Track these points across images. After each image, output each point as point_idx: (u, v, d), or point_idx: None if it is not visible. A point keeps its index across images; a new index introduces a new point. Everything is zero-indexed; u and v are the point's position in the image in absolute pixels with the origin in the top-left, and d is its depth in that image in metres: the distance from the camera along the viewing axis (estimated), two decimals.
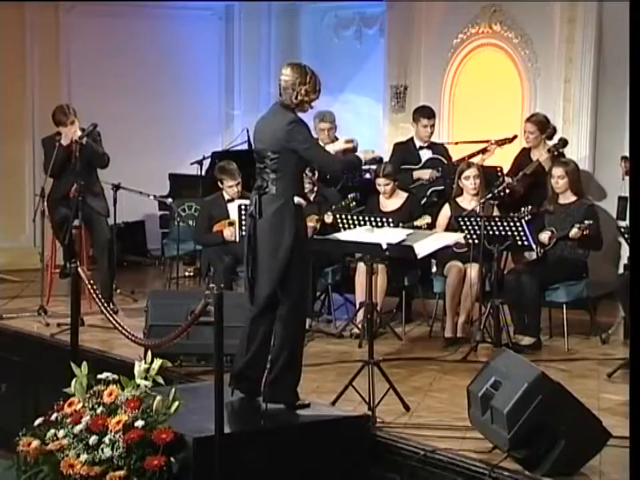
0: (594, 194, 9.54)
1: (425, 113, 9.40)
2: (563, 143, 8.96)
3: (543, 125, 9.02)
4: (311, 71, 5.97)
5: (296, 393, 6.04)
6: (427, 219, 8.43)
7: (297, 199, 5.94)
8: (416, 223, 8.34)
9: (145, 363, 5.66)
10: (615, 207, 9.22)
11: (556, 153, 8.80)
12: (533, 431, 5.15)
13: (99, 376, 5.73)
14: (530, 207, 8.18)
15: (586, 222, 7.90)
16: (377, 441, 5.85)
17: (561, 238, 8.03)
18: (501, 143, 9.19)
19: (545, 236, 8.06)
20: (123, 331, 6.01)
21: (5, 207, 11.65)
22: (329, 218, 8.56)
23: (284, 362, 5.95)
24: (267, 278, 5.92)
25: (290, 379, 6.00)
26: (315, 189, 8.90)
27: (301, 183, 6.13)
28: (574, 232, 7.90)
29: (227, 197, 8.98)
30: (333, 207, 8.69)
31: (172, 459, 5.29)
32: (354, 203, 8.71)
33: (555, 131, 9.12)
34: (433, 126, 9.41)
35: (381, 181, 8.70)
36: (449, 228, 8.35)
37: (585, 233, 7.88)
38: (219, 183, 9.07)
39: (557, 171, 8.20)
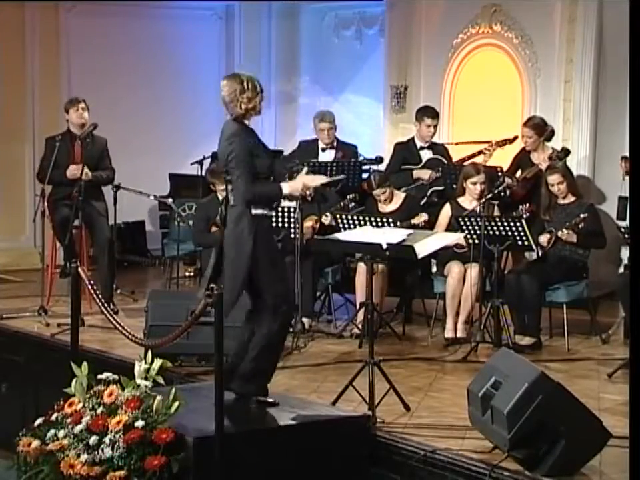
0: (594, 194, 9.55)
1: (428, 113, 9.40)
2: (565, 153, 8.92)
3: (540, 128, 9.00)
4: (246, 77, 5.94)
5: (265, 389, 6.02)
6: (423, 217, 8.44)
7: (257, 210, 5.87)
8: (413, 221, 8.35)
9: (145, 363, 5.66)
10: (615, 207, 9.22)
11: (557, 161, 8.77)
12: (533, 431, 5.15)
13: (99, 376, 5.72)
14: (528, 205, 8.18)
15: (581, 215, 7.89)
16: (377, 441, 5.84)
17: (559, 237, 8.03)
18: (502, 143, 9.20)
19: (544, 239, 8.06)
20: (123, 331, 6.01)
21: (5, 207, 11.66)
22: (326, 219, 8.56)
23: (257, 356, 5.93)
24: (228, 286, 5.81)
25: (261, 374, 5.97)
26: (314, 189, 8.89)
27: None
28: (564, 232, 7.90)
29: (221, 197, 8.99)
30: (332, 208, 8.70)
31: (172, 458, 5.28)
32: (352, 204, 8.71)
33: (553, 132, 9.11)
34: (435, 126, 9.42)
35: (378, 192, 8.70)
36: (449, 228, 8.35)
37: (580, 226, 7.87)
38: (211, 186, 9.11)
39: (555, 178, 8.17)
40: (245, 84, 5.89)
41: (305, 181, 6.06)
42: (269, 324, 5.95)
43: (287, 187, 5.99)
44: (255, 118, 6.08)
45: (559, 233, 7.93)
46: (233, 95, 5.88)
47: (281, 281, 6.00)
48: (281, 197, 6.03)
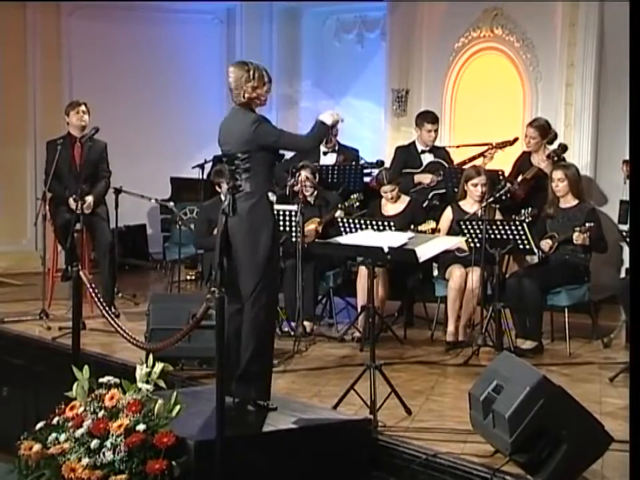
0: (595, 198, 9.55)
1: (428, 118, 9.42)
2: (563, 148, 8.97)
3: (544, 130, 9.04)
4: (254, 66, 5.98)
5: (267, 393, 5.98)
6: (431, 224, 8.42)
7: (272, 197, 5.97)
8: (420, 228, 8.33)
9: (147, 366, 5.65)
10: (617, 210, 9.22)
11: (556, 159, 8.81)
12: (534, 435, 5.14)
13: (101, 380, 5.72)
14: (530, 209, 8.20)
15: (587, 224, 7.90)
16: (378, 445, 5.84)
17: (562, 242, 8.04)
18: (502, 145, 9.22)
19: (545, 244, 8.06)
20: (125, 335, 6.00)
21: (6, 210, 11.67)
22: (340, 213, 8.58)
23: (250, 358, 5.86)
24: (248, 276, 5.84)
25: (258, 377, 5.91)
26: (316, 192, 8.91)
27: (273, 180, 6.14)
28: (576, 236, 7.91)
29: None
30: (334, 210, 8.73)
31: (173, 462, 5.28)
32: (357, 203, 8.72)
33: (556, 136, 9.13)
34: (436, 130, 9.43)
35: (387, 188, 8.70)
36: (451, 231, 8.35)
37: (586, 235, 7.88)
38: (217, 187, 9.11)
39: (557, 174, 8.22)
40: (250, 73, 5.93)
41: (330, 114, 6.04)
42: (259, 321, 5.87)
43: (324, 117, 5.99)
44: None
45: (574, 235, 7.92)
46: (238, 82, 5.92)
47: (278, 274, 6.03)
48: (329, 127, 6.02)
